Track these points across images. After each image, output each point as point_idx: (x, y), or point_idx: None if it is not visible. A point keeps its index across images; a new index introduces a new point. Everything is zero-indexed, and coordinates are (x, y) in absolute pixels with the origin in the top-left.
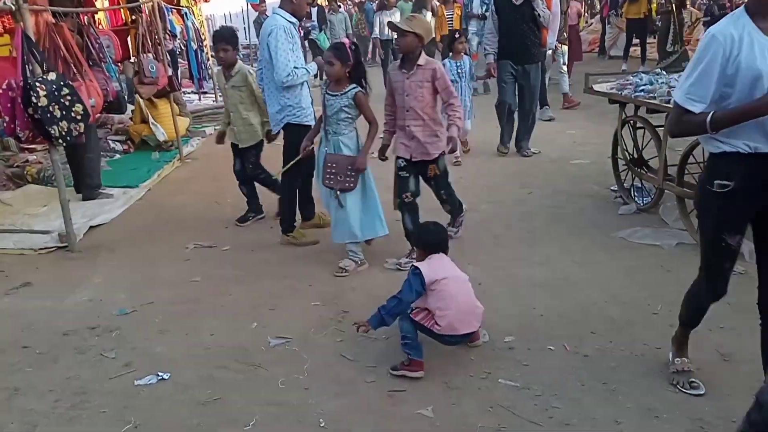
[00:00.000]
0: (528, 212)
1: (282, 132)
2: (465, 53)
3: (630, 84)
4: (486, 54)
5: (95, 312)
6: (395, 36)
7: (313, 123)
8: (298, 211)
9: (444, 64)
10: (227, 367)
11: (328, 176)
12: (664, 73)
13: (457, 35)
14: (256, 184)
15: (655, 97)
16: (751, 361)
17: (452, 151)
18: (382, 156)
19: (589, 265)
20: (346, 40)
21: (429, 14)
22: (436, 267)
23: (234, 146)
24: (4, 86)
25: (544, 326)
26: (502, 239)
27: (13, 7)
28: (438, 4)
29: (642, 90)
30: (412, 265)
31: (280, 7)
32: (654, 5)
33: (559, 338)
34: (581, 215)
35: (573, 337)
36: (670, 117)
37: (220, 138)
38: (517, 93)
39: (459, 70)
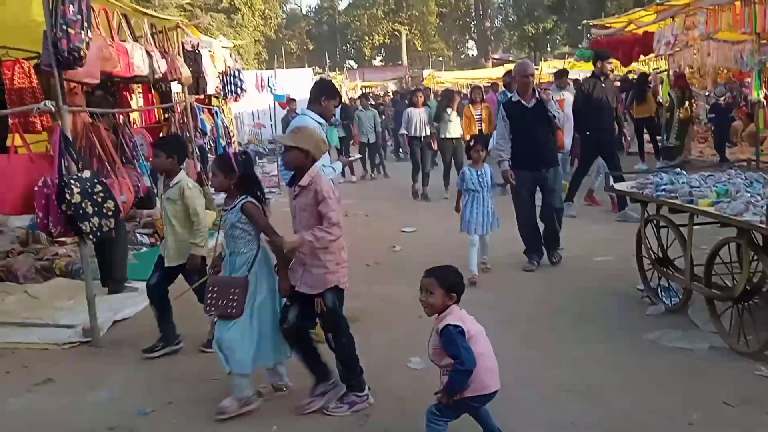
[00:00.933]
0: (553, 312)
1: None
2: (483, 161)
3: (651, 183)
4: (500, 161)
5: (114, 411)
6: (424, 134)
7: None
8: None
9: (464, 172)
10: None
11: (208, 302)
12: (684, 172)
13: (472, 143)
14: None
15: (677, 197)
16: None
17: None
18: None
19: (619, 369)
20: (231, 151)
21: (454, 113)
22: (466, 322)
23: (159, 258)
24: (39, 183)
25: None
26: (528, 340)
27: (53, 109)
28: (466, 104)
29: (663, 189)
30: (450, 325)
31: (308, 107)
32: (667, 104)
33: None
34: (608, 315)
35: None
36: None
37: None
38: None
39: (480, 179)
